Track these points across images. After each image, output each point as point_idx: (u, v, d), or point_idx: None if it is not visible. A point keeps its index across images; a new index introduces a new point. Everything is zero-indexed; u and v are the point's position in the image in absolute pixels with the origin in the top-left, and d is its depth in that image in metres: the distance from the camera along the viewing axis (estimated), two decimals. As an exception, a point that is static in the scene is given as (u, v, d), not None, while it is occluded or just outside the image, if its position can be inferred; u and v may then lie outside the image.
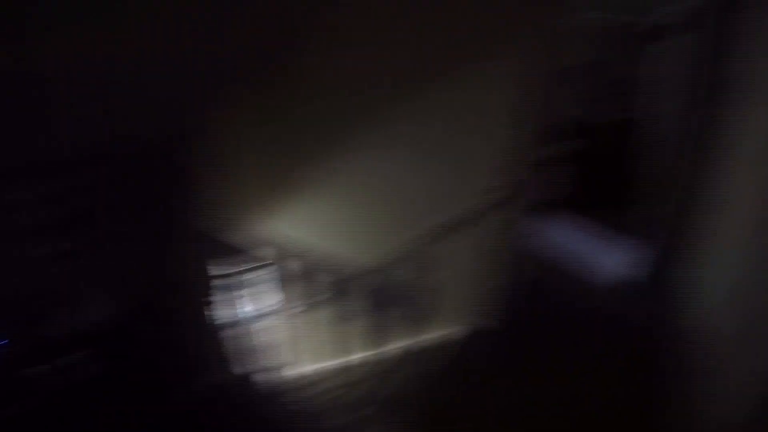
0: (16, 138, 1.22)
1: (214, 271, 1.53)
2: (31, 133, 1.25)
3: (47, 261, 1.31)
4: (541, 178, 2.66)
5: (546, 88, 2.26)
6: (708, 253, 2.02)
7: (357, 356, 2.03)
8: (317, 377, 2.24)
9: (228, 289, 1.59)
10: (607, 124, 4.65)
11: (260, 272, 1.73)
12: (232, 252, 1.58)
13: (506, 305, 2.52)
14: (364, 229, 2.49)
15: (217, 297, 1.55)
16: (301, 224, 2.69)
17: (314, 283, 1.70)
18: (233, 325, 1.62)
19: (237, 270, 1.62)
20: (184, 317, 1.47)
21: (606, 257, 3.47)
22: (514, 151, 1.93)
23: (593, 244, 3.76)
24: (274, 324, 1.85)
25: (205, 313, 1.52)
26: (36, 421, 1.28)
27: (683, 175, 2.32)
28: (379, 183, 2.28)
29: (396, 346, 1.98)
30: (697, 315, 1.94)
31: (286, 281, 1.73)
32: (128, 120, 1.29)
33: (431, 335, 2.48)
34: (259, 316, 1.77)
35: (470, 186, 2.05)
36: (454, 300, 2.39)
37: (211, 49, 1.34)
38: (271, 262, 1.70)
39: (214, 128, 1.44)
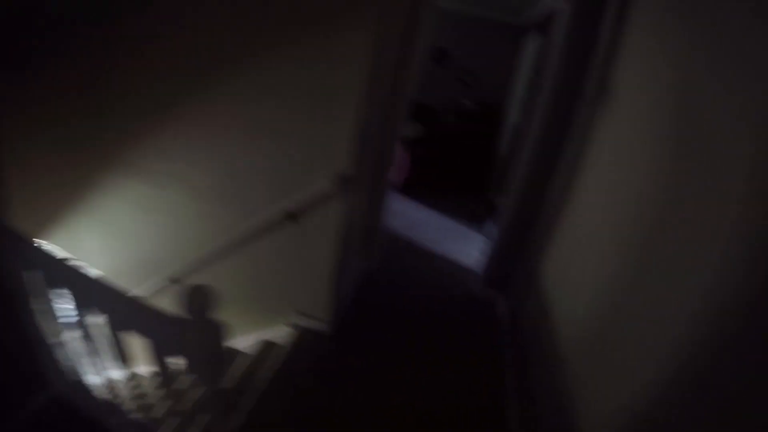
0: None
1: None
2: None
3: None
4: (390, 161, 2.58)
5: (399, 70, 2.19)
6: (551, 245, 2.12)
7: (160, 367, 1.80)
8: (123, 388, 1.96)
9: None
10: (460, 112, 4.83)
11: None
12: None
13: (347, 296, 2.40)
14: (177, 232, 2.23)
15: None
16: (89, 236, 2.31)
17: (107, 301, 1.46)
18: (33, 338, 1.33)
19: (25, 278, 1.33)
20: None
21: (453, 243, 3.58)
22: (362, 134, 1.82)
23: (441, 228, 3.86)
24: (71, 338, 1.59)
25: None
26: None
27: (527, 167, 2.44)
28: (200, 175, 2.03)
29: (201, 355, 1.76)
30: (541, 306, 2.00)
31: (76, 296, 1.47)
32: None
33: (254, 339, 2.32)
34: (55, 329, 1.50)
35: (311, 171, 1.89)
36: (287, 297, 2.25)
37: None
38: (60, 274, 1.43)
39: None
